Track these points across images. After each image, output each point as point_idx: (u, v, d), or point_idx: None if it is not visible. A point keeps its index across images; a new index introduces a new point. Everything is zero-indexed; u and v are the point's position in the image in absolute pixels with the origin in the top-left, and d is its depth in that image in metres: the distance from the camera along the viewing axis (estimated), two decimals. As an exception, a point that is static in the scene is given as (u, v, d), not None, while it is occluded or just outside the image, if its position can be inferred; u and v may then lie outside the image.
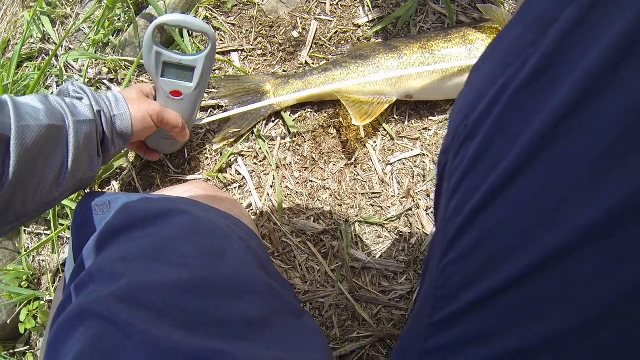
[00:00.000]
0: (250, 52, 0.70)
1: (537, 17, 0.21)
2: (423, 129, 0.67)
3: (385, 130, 0.66)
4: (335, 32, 0.70)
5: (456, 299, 0.22)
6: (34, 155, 0.38)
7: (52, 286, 0.70)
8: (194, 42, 0.68)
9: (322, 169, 0.64)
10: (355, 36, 0.70)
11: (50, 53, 0.73)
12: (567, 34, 0.19)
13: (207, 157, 0.66)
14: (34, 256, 0.73)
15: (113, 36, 0.71)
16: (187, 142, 0.64)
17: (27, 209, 0.40)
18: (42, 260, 0.73)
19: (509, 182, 0.20)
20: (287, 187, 0.64)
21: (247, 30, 0.70)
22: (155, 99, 0.59)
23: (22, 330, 0.71)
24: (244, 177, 0.64)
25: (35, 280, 0.73)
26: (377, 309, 0.59)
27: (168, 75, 0.56)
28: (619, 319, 0.16)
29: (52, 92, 0.74)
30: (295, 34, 0.70)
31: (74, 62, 0.72)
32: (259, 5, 0.71)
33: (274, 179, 0.64)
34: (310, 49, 0.70)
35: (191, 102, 0.59)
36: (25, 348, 0.73)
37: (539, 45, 0.20)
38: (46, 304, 0.71)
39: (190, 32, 0.69)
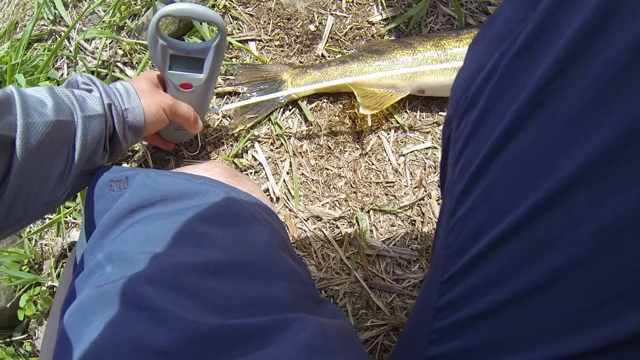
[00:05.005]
0: (267, 42, 0.71)
1: None
2: (434, 123, 0.69)
3: (397, 122, 0.67)
4: (351, 28, 0.72)
5: (466, 252, 0.24)
6: (38, 155, 0.35)
7: (55, 271, 0.69)
8: (211, 29, 0.69)
9: (337, 157, 0.65)
10: (370, 33, 0.72)
11: (62, 35, 0.72)
12: (551, 10, 0.22)
13: (223, 142, 0.66)
14: (35, 240, 0.71)
15: (129, 19, 0.71)
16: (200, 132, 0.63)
17: (28, 212, 0.37)
18: (45, 245, 0.71)
19: (506, 140, 0.23)
20: (303, 174, 0.64)
21: (264, 22, 0.72)
22: (165, 88, 0.56)
23: (21, 317, 0.68)
24: (260, 163, 0.65)
25: (37, 265, 0.71)
26: (391, 297, 0.60)
27: (176, 68, 0.53)
28: (611, 251, 0.18)
29: (62, 74, 0.73)
30: (312, 27, 0.71)
31: (87, 42, 0.72)
32: (276, -3, 0.72)
33: (290, 165, 0.64)
34: (326, 43, 0.71)
35: (202, 93, 0.56)
36: (22, 337, 0.71)
37: (529, 21, 0.23)
38: (48, 289, 0.69)
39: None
